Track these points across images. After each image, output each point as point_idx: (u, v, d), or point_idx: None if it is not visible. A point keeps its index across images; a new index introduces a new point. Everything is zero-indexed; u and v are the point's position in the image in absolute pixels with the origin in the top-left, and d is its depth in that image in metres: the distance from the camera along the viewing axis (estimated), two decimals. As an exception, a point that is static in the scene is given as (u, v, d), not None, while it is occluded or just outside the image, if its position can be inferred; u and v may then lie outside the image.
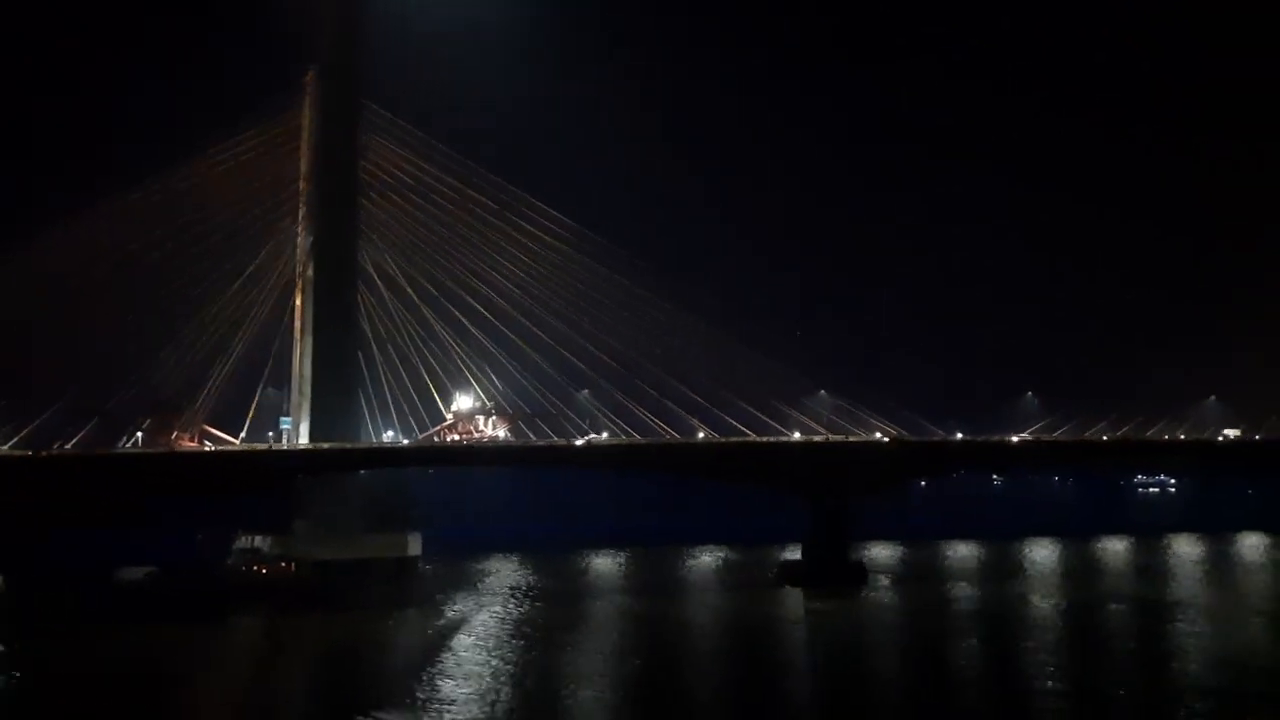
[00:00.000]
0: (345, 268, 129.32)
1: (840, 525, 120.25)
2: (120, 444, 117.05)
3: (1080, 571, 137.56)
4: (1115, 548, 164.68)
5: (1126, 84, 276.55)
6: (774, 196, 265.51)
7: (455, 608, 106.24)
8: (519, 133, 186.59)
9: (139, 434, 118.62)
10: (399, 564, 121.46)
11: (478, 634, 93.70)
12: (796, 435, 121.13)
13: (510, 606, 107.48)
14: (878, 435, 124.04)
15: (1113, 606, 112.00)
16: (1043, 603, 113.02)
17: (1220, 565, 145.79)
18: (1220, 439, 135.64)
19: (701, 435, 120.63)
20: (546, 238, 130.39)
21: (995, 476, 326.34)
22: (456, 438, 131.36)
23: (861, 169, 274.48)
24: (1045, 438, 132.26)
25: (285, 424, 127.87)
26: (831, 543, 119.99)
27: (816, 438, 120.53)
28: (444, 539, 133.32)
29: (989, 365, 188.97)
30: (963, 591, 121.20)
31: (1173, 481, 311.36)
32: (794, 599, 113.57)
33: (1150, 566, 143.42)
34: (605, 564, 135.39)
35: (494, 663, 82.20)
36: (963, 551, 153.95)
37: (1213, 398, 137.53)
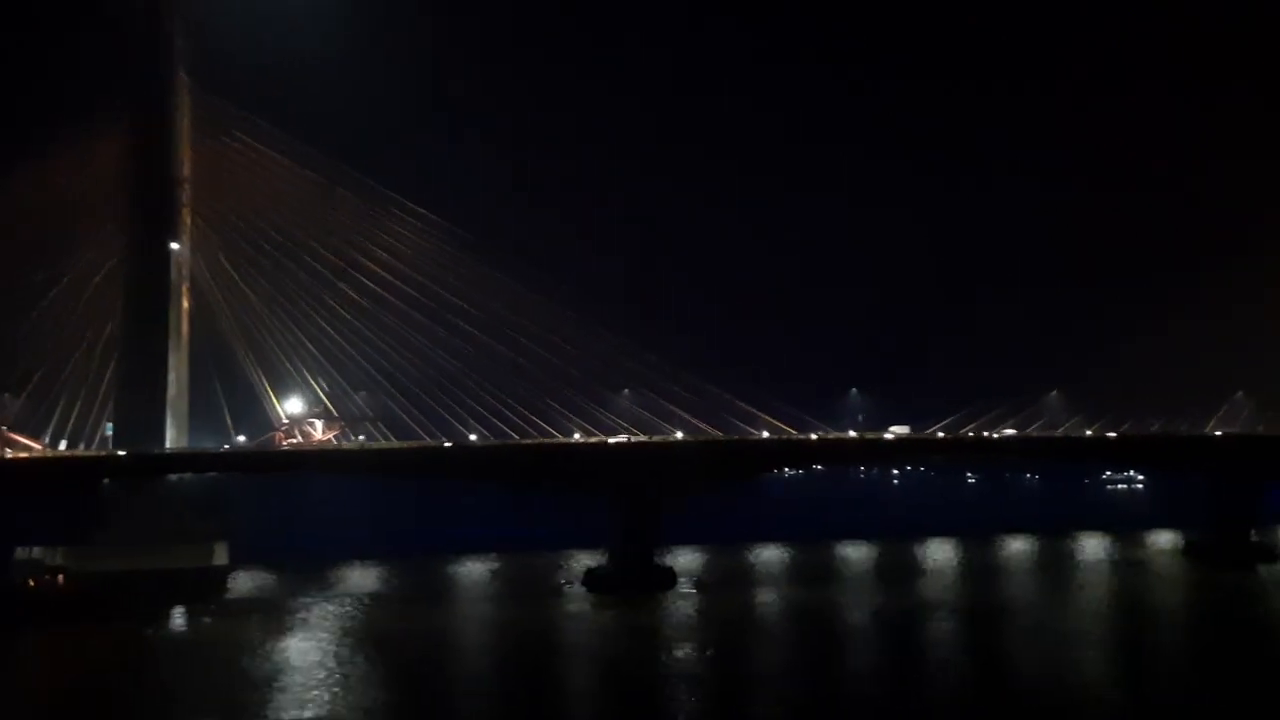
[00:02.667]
0: (157, 266, 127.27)
1: (646, 529, 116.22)
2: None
3: (923, 573, 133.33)
4: (1012, 547, 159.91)
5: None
6: (604, 181, 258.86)
7: (244, 618, 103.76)
8: (371, 124, 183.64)
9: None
10: (202, 574, 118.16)
11: (250, 647, 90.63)
12: (595, 437, 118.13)
13: (308, 617, 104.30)
14: (682, 435, 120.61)
15: (924, 612, 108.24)
16: (848, 607, 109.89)
17: (1081, 566, 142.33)
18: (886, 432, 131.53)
19: (474, 437, 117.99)
20: (404, 231, 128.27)
21: (970, 474, 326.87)
22: (297, 440, 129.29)
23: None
24: (845, 436, 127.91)
25: (110, 429, 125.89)
26: (637, 548, 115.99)
27: (616, 439, 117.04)
28: (269, 548, 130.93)
29: (818, 363, 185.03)
30: (771, 597, 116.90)
31: (1140, 479, 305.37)
32: (583, 606, 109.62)
33: (1012, 567, 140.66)
34: (425, 572, 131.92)
35: (251, 679, 79.33)
36: (823, 554, 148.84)
37: (1055, 392, 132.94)
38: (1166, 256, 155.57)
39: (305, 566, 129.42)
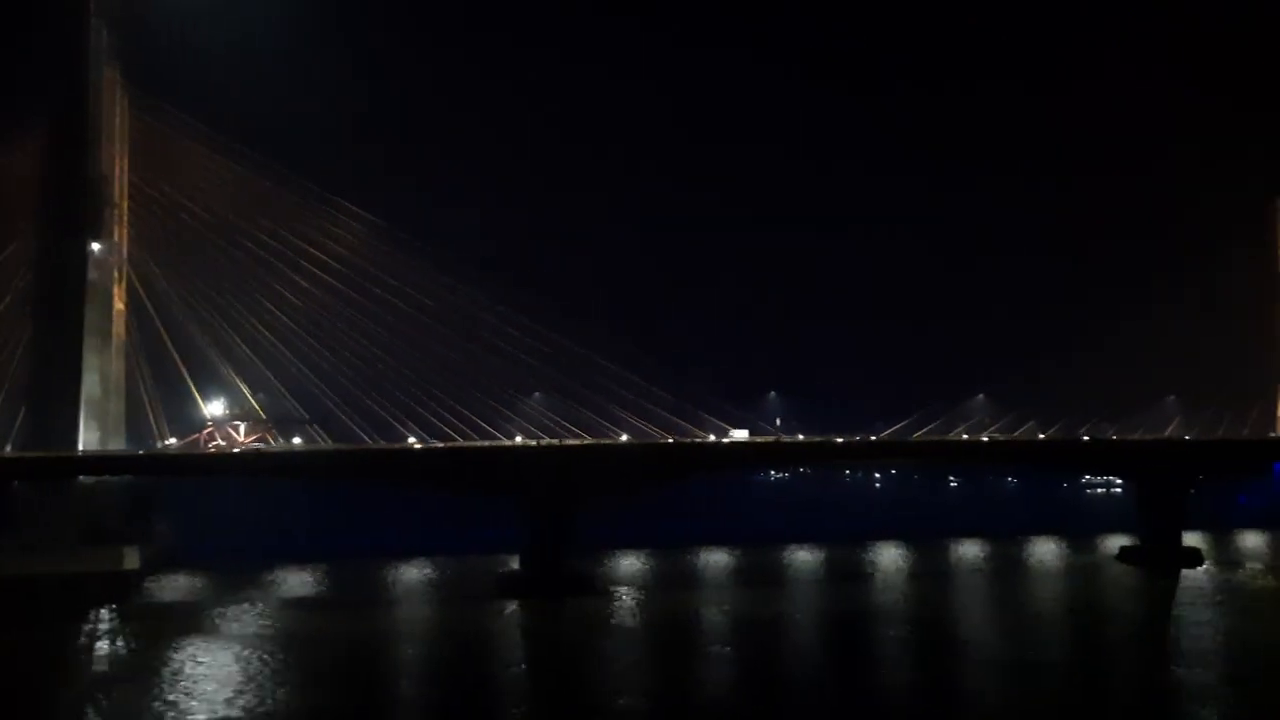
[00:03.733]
0: (73, 267, 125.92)
1: (554, 532, 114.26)
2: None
3: (854, 578, 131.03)
4: (958, 551, 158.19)
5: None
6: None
7: (145, 624, 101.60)
8: (307, 123, 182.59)
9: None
10: (110, 579, 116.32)
11: (140, 656, 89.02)
12: (518, 439, 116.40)
13: (209, 623, 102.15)
14: (623, 438, 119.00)
15: (827, 614, 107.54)
16: (757, 612, 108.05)
17: (1013, 569, 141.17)
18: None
19: (412, 440, 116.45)
20: (341, 231, 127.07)
21: (951, 478, 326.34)
22: (222, 443, 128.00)
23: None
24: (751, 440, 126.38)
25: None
26: (552, 551, 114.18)
27: (530, 441, 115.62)
28: (195, 551, 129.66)
29: (738, 364, 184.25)
30: (688, 601, 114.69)
31: (1118, 483, 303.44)
32: (489, 611, 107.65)
33: (944, 570, 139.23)
34: (348, 578, 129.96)
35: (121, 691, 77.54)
36: (766, 558, 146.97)
37: (980, 396, 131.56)
38: (1103, 261, 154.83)
39: (229, 570, 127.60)
